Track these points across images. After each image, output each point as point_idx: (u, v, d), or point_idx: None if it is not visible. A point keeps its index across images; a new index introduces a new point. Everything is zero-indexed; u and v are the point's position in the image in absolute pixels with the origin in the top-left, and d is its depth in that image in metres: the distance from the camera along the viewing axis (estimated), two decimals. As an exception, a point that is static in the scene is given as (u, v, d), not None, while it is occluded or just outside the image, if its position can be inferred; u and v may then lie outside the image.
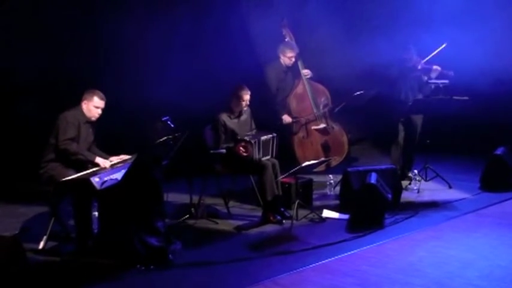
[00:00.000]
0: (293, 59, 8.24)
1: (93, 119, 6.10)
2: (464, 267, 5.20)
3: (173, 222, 6.48)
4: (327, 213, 6.76)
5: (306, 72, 8.36)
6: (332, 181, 7.68)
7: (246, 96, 6.84)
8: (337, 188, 7.44)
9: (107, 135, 6.48)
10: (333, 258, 5.47)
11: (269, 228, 6.43)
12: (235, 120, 6.91)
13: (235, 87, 6.88)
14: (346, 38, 8.83)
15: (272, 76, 8.26)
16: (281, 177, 6.70)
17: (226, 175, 7.03)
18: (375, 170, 6.77)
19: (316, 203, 7.21)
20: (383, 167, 7.21)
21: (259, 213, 6.69)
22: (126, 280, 5.10)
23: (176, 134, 6.27)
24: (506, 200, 7.25)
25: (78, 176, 5.75)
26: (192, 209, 6.68)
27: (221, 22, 8.85)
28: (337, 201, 7.20)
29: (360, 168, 7.19)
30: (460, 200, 7.32)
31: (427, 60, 7.86)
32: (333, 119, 8.42)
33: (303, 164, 6.66)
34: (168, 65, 8.48)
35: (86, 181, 5.59)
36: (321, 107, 8.39)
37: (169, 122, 6.32)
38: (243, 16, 8.82)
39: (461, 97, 7.54)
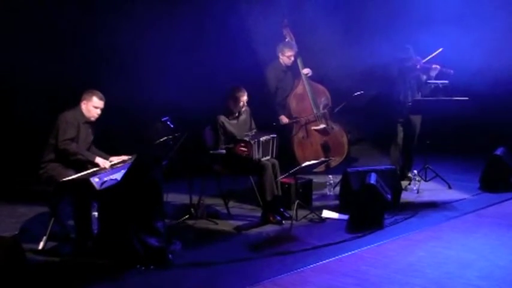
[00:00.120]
0: (292, 58, 8.25)
1: (93, 119, 6.10)
2: (463, 268, 5.20)
3: (173, 223, 6.48)
4: (326, 213, 6.76)
5: (306, 71, 8.36)
6: (332, 181, 7.68)
7: (243, 97, 6.84)
8: (337, 189, 7.45)
9: (107, 135, 6.49)
10: (332, 258, 5.47)
11: (269, 228, 6.43)
12: (234, 121, 6.91)
13: (232, 88, 6.89)
14: (346, 38, 8.85)
15: (271, 76, 8.27)
16: (281, 177, 6.70)
17: (226, 175, 7.03)
18: (375, 171, 6.78)
19: (316, 204, 7.21)
20: (383, 167, 7.22)
21: (259, 214, 6.69)
22: (126, 280, 5.10)
23: (176, 134, 6.27)
24: (505, 200, 7.26)
25: (77, 177, 5.75)
26: (192, 209, 6.68)
27: (221, 22, 8.86)
28: (337, 202, 7.20)
29: (360, 169, 7.19)
30: (460, 200, 7.33)
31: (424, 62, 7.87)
32: (332, 120, 8.43)
33: (303, 165, 6.66)
34: (168, 65, 8.49)
35: (85, 181, 5.59)
36: (321, 108, 8.40)
37: (169, 123, 6.32)
38: (243, 17, 8.83)
39: (461, 97, 7.55)
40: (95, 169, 5.93)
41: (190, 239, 6.02)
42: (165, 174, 6.00)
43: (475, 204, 7.14)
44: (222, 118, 6.81)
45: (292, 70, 8.41)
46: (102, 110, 6.11)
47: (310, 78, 8.41)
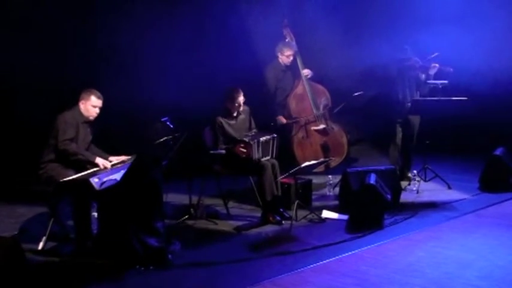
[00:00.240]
0: (291, 58, 8.26)
1: (91, 118, 6.10)
2: (463, 268, 5.20)
3: (172, 223, 6.48)
4: (326, 213, 6.76)
5: (306, 72, 8.36)
6: (331, 182, 7.68)
7: (239, 98, 6.84)
8: (337, 189, 7.45)
9: (107, 135, 6.48)
10: (332, 258, 5.47)
11: (268, 228, 6.43)
12: (233, 122, 6.91)
13: (227, 89, 6.90)
14: (346, 38, 8.84)
15: (271, 76, 8.27)
16: (280, 177, 6.70)
17: (226, 176, 7.03)
18: (374, 171, 6.78)
19: (316, 204, 7.21)
20: (382, 167, 7.22)
21: (259, 214, 6.69)
22: (126, 280, 5.10)
23: (175, 135, 6.27)
24: (505, 200, 7.26)
25: (77, 177, 5.75)
26: (192, 209, 6.68)
27: (221, 23, 8.86)
28: (337, 202, 7.20)
29: (359, 169, 7.19)
30: (459, 200, 7.33)
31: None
32: (332, 120, 8.43)
33: (303, 165, 6.66)
34: (168, 65, 8.49)
35: (85, 182, 5.59)
36: (321, 108, 8.40)
37: (168, 123, 6.32)
38: (243, 17, 8.83)
39: (460, 97, 7.55)
40: (94, 169, 5.93)
41: (189, 239, 6.02)
42: (165, 175, 6.00)
43: (475, 204, 7.14)
44: (221, 119, 6.82)
45: (292, 70, 8.41)
46: (101, 108, 6.11)
47: (310, 78, 8.42)
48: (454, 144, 9.43)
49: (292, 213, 6.54)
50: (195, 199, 6.78)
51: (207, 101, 7.51)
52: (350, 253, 5.60)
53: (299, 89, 8.38)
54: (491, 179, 7.69)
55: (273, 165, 6.70)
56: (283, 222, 6.52)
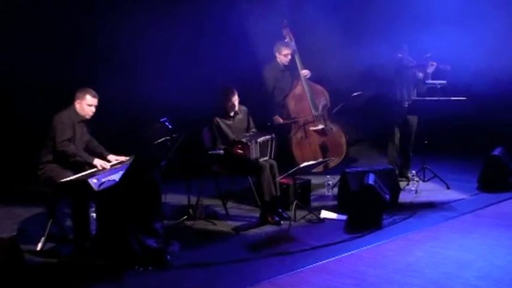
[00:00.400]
0: (289, 57, 8.26)
1: (88, 117, 6.09)
2: (462, 268, 5.21)
3: (171, 223, 6.48)
4: (325, 214, 6.76)
5: (305, 73, 8.37)
6: (330, 182, 7.68)
7: (233, 98, 6.84)
8: (335, 189, 7.44)
9: (106, 136, 6.47)
10: (331, 258, 5.47)
11: (267, 229, 6.43)
12: (230, 122, 6.91)
13: (221, 89, 6.91)
14: (346, 38, 8.85)
15: (269, 75, 8.28)
16: (279, 178, 6.70)
17: (225, 176, 7.03)
18: (373, 171, 6.78)
19: (314, 204, 7.21)
20: (381, 167, 7.23)
21: (258, 214, 6.69)
22: (124, 281, 5.10)
23: (174, 135, 6.27)
24: (503, 200, 7.26)
25: (76, 178, 5.75)
26: (190, 210, 6.68)
27: (220, 23, 8.86)
28: (335, 202, 7.19)
29: (358, 169, 7.20)
30: (458, 200, 7.33)
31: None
32: (331, 120, 8.43)
33: (301, 165, 6.66)
34: (167, 65, 8.49)
35: (83, 182, 5.59)
36: (320, 108, 8.40)
37: (167, 123, 6.32)
38: (242, 17, 8.83)
39: (459, 97, 7.55)
40: (93, 170, 5.92)
41: (188, 240, 6.02)
42: (164, 175, 6.00)
43: (473, 204, 7.15)
44: (217, 119, 6.82)
45: (290, 70, 8.41)
46: (96, 107, 6.09)
47: (309, 78, 8.42)
48: (452, 144, 9.44)
49: (291, 213, 6.54)
50: (193, 199, 6.78)
51: (206, 101, 7.50)
52: (349, 253, 5.60)
53: (298, 89, 8.38)
54: (489, 179, 7.69)
55: (271, 166, 6.70)
56: (281, 222, 6.51)
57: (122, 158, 6.25)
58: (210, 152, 6.75)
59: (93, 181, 5.58)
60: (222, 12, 8.84)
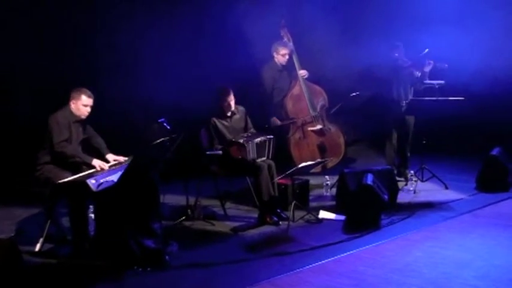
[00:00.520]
0: (287, 57, 8.26)
1: (83, 117, 6.06)
2: (460, 268, 5.21)
3: (170, 224, 6.48)
4: (323, 214, 6.76)
5: (302, 73, 8.37)
6: (328, 182, 7.69)
7: (228, 98, 6.83)
8: (334, 189, 7.44)
9: (104, 136, 6.46)
10: (329, 259, 5.47)
11: (266, 229, 6.43)
12: (227, 122, 6.91)
13: (217, 89, 6.90)
14: (344, 39, 8.84)
15: (267, 76, 8.28)
16: (278, 178, 6.70)
17: (223, 176, 7.02)
18: (371, 171, 6.78)
19: (313, 204, 7.21)
20: (379, 167, 7.23)
21: (256, 215, 6.69)
22: (123, 282, 5.09)
23: (172, 136, 6.27)
24: (502, 200, 7.27)
25: (74, 178, 5.74)
26: (189, 210, 6.68)
27: (219, 23, 8.85)
28: (334, 202, 7.19)
29: (356, 169, 7.20)
30: (456, 200, 7.34)
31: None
32: (329, 120, 8.44)
33: (300, 165, 6.65)
34: (166, 66, 8.48)
35: (82, 183, 5.58)
36: (318, 108, 8.40)
37: (165, 124, 6.31)
38: (241, 17, 8.83)
39: (457, 97, 7.56)
40: (91, 171, 5.92)
41: (187, 240, 6.01)
42: (162, 176, 5.99)
43: (472, 204, 7.15)
44: (214, 119, 6.82)
45: (288, 70, 8.42)
46: (92, 107, 6.08)
47: (307, 79, 8.42)
48: (451, 144, 9.45)
49: (289, 213, 6.54)
50: (192, 200, 6.77)
51: (205, 102, 7.49)
52: (347, 253, 5.60)
53: (296, 90, 8.38)
54: (488, 179, 7.70)
55: (269, 166, 6.70)
56: (280, 222, 6.51)
57: (121, 158, 6.24)
58: (208, 153, 6.75)
59: (91, 182, 5.58)
60: (221, 13, 8.83)
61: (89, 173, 5.85)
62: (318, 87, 8.48)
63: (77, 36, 8.09)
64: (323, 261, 5.40)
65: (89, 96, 6.04)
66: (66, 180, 5.69)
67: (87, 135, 6.24)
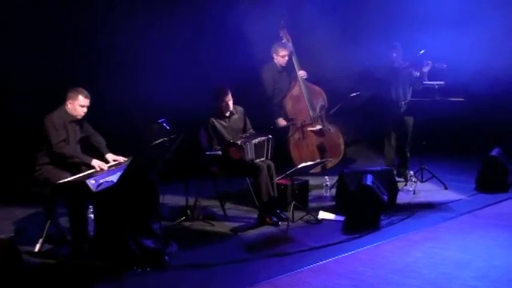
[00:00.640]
0: (286, 58, 8.26)
1: (79, 117, 6.04)
2: (460, 268, 5.21)
3: (169, 224, 6.47)
4: (323, 214, 6.76)
5: (302, 74, 8.37)
6: (328, 183, 7.68)
7: (227, 97, 6.83)
8: (333, 190, 7.44)
9: (104, 136, 6.46)
10: (329, 259, 5.47)
11: (265, 229, 6.43)
12: (226, 122, 6.90)
13: (214, 89, 6.90)
14: (344, 39, 8.84)
15: (267, 77, 8.28)
16: (277, 178, 6.70)
17: (222, 177, 7.02)
18: (371, 172, 6.78)
19: (312, 205, 7.21)
20: (379, 168, 7.23)
21: (255, 215, 6.69)
22: (122, 282, 5.09)
23: (172, 136, 6.26)
24: (501, 201, 7.28)
25: (74, 179, 5.74)
26: (188, 210, 6.67)
27: (220, 24, 8.85)
28: (333, 203, 7.19)
29: (356, 170, 7.20)
30: (456, 201, 7.34)
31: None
32: (329, 121, 8.44)
33: (299, 166, 6.65)
34: (165, 66, 8.48)
35: (81, 183, 5.58)
36: (317, 109, 8.40)
37: (165, 124, 6.31)
38: (240, 18, 8.83)
39: (457, 98, 7.56)
40: (91, 171, 5.91)
41: (186, 241, 6.01)
42: (161, 176, 5.99)
43: (471, 205, 7.15)
44: (213, 119, 6.82)
45: (288, 71, 8.42)
46: (89, 108, 6.06)
47: (307, 79, 8.42)
48: (450, 144, 9.44)
49: (289, 214, 6.54)
50: (191, 200, 6.77)
51: (203, 103, 7.49)
52: (347, 254, 5.60)
53: (295, 90, 8.38)
54: (487, 180, 7.70)
55: (268, 167, 6.69)
56: (279, 223, 6.51)
57: (120, 158, 6.24)
58: (207, 153, 6.75)
59: (91, 182, 5.57)
60: (221, 13, 8.83)
61: (88, 173, 5.84)
62: (317, 88, 8.48)
63: (77, 36, 8.08)
64: (322, 262, 5.40)
65: (86, 97, 6.01)
66: (65, 180, 5.69)
67: (86, 133, 6.23)
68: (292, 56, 8.34)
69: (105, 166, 6.01)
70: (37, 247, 5.75)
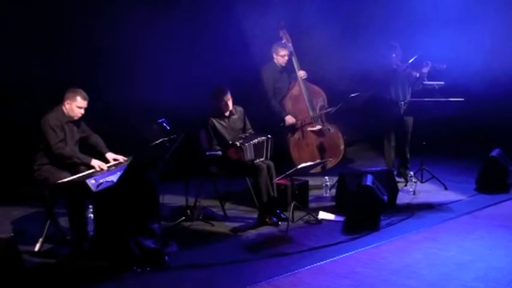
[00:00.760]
0: (286, 58, 8.26)
1: (76, 118, 6.02)
2: (460, 269, 5.21)
3: (169, 224, 6.48)
4: (322, 215, 6.76)
5: (302, 74, 8.37)
6: (328, 183, 7.68)
7: (226, 97, 6.82)
8: (333, 190, 7.45)
9: (104, 136, 6.46)
10: (328, 260, 5.47)
11: (265, 230, 6.43)
12: (226, 122, 6.90)
13: (213, 89, 6.90)
14: (344, 39, 8.85)
15: (268, 76, 8.27)
16: (277, 179, 6.70)
17: (222, 177, 7.02)
18: (371, 172, 6.78)
19: (312, 205, 7.20)
20: (379, 168, 7.24)
21: (255, 215, 6.69)
22: (122, 282, 5.10)
23: (172, 136, 6.26)
24: (501, 201, 7.27)
25: (74, 178, 5.74)
26: (188, 211, 6.67)
27: (218, 24, 8.85)
28: (333, 203, 7.20)
29: (356, 170, 7.20)
30: (456, 201, 7.33)
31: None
32: (328, 121, 8.44)
33: (299, 166, 6.65)
34: (165, 66, 8.47)
35: (81, 183, 5.58)
36: (317, 109, 8.40)
37: (165, 124, 6.31)
38: (240, 18, 8.83)
39: (457, 98, 7.56)
40: (91, 171, 5.91)
41: (186, 241, 6.01)
42: (161, 176, 5.98)
43: (471, 205, 7.15)
44: (213, 119, 6.82)
45: (288, 71, 8.41)
46: (86, 109, 6.04)
47: (307, 79, 8.42)
48: (450, 145, 9.44)
49: (289, 214, 6.54)
50: (191, 201, 6.77)
51: (203, 103, 7.49)
52: (346, 254, 5.61)
53: (295, 90, 8.38)
54: (487, 180, 7.70)
55: (268, 167, 6.69)
56: (279, 223, 6.51)
57: (120, 157, 6.24)
58: (208, 153, 6.75)
59: (91, 182, 5.57)
60: (220, 14, 8.83)
61: (88, 173, 5.84)
62: (317, 88, 8.48)
63: (77, 36, 8.08)
64: (322, 262, 5.41)
65: (84, 98, 5.99)
66: (65, 180, 5.69)
67: (83, 134, 6.23)
68: (292, 56, 8.34)
69: (104, 166, 6.01)
70: (37, 247, 5.75)
